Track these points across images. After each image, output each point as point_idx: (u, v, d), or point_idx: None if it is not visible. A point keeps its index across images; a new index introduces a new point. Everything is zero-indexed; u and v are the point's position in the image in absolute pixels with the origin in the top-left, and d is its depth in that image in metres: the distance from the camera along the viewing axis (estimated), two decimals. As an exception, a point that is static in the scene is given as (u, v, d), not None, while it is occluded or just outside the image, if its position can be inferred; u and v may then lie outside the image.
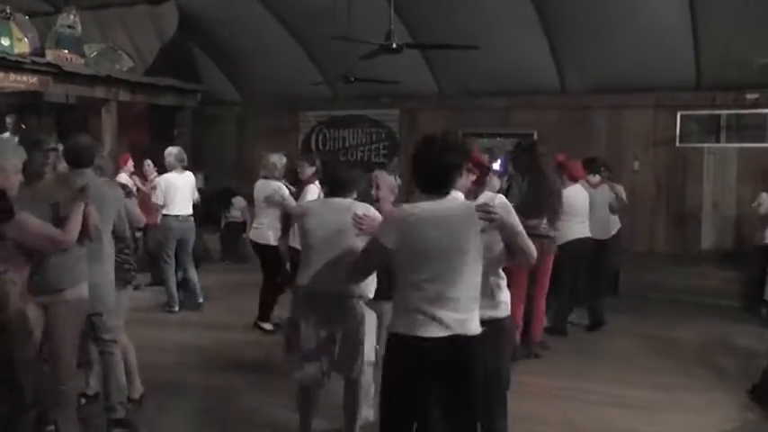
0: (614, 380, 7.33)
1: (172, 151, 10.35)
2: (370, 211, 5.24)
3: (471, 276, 3.98)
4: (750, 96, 12.33)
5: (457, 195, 4.15)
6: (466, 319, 3.95)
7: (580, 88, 13.60)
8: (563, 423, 6.22)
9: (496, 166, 9.87)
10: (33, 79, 11.74)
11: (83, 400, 6.36)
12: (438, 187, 4.05)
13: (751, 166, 12.46)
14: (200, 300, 10.33)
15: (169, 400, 6.74)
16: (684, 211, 13.12)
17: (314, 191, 8.79)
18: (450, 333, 3.90)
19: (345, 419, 5.53)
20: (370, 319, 5.38)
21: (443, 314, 3.90)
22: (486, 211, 3.94)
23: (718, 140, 12.90)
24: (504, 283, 4.59)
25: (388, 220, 4.34)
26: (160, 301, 10.36)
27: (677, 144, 13.12)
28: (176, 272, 10.32)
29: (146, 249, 11.74)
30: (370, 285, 5.26)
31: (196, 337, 9.01)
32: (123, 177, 10.86)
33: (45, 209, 4.83)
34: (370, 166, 15.22)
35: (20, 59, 11.32)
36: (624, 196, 10.88)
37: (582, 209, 9.00)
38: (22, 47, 11.57)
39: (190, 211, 10.25)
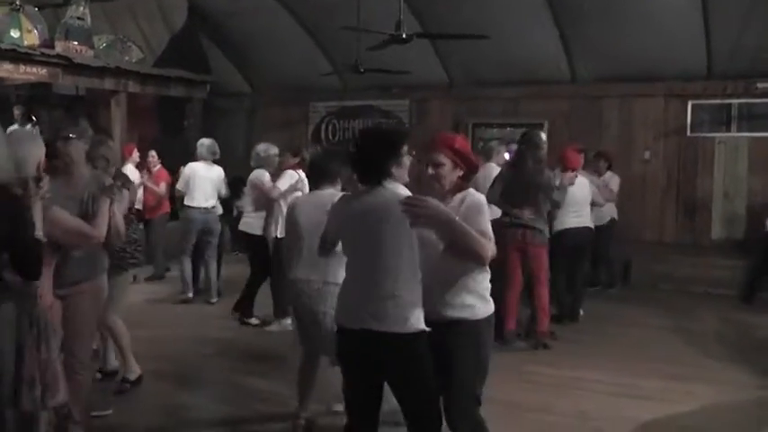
0: (625, 370, 7.30)
1: (204, 142, 10.32)
2: None
3: (400, 271, 3.95)
4: (761, 85, 12.26)
5: (393, 187, 4.05)
6: (391, 314, 3.91)
7: (590, 78, 13.55)
8: (573, 413, 6.20)
9: (507, 156, 9.87)
10: (43, 71, 11.77)
11: (99, 376, 6.71)
12: (367, 178, 4.08)
13: (762, 155, 12.44)
14: (214, 299, 10.22)
15: (169, 388, 6.80)
16: (695, 200, 13.06)
17: (289, 176, 8.70)
18: (368, 327, 3.93)
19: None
20: None
21: (366, 306, 3.95)
22: (409, 205, 3.82)
23: (729, 130, 12.86)
24: (478, 285, 4.25)
25: (332, 207, 4.42)
26: (175, 291, 10.49)
27: (688, 133, 13.07)
28: (198, 264, 10.38)
29: (147, 242, 11.76)
30: None
31: (207, 328, 9.00)
32: (129, 168, 10.86)
33: (74, 203, 4.89)
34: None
35: (29, 51, 11.34)
36: (615, 188, 10.75)
37: (578, 199, 9.06)
38: (32, 39, 11.58)
39: (213, 203, 10.19)
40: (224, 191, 10.37)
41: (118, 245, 5.82)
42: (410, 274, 3.98)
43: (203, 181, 10.09)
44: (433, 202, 3.87)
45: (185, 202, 10.22)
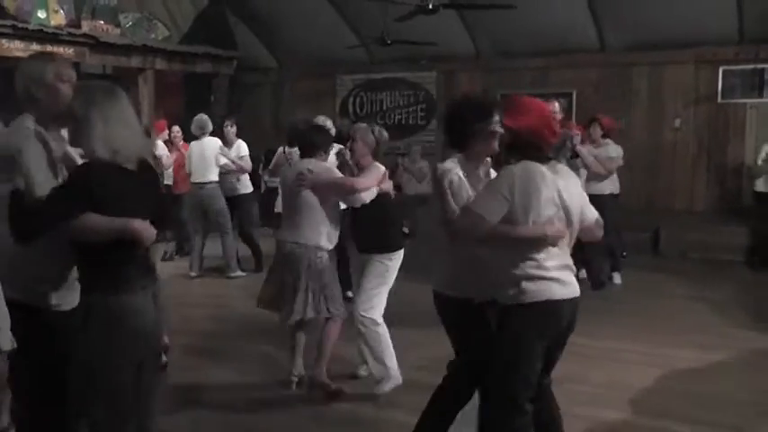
0: (656, 340, 7.29)
1: (194, 119, 10.51)
2: (316, 166, 5.75)
3: (444, 239, 4.18)
4: (794, 50, 12.07)
5: (449, 158, 4.20)
6: (438, 278, 4.30)
7: (620, 46, 13.40)
8: (605, 383, 6.19)
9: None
10: (70, 50, 11.82)
11: None
12: (449, 144, 4.29)
13: (795, 121, 12.25)
14: (232, 274, 10.39)
15: (194, 361, 6.85)
16: (726, 168, 12.91)
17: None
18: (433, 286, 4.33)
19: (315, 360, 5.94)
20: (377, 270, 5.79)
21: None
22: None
23: (761, 95, 12.64)
24: (531, 265, 3.78)
25: None
26: (209, 266, 10.68)
27: (719, 100, 12.89)
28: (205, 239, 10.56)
29: (176, 218, 11.84)
30: (331, 236, 5.76)
31: (227, 303, 9.09)
32: (159, 144, 10.97)
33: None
34: (407, 129, 15.19)
35: (56, 31, 11.41)
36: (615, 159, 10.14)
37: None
38: (58, 19, 11.65)
39: (209, 178, 10.28)
40: (221, 160, 10.33)
41: None
42: (452, 244, 4.14)
43: (196, 157, 10.30)
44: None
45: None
